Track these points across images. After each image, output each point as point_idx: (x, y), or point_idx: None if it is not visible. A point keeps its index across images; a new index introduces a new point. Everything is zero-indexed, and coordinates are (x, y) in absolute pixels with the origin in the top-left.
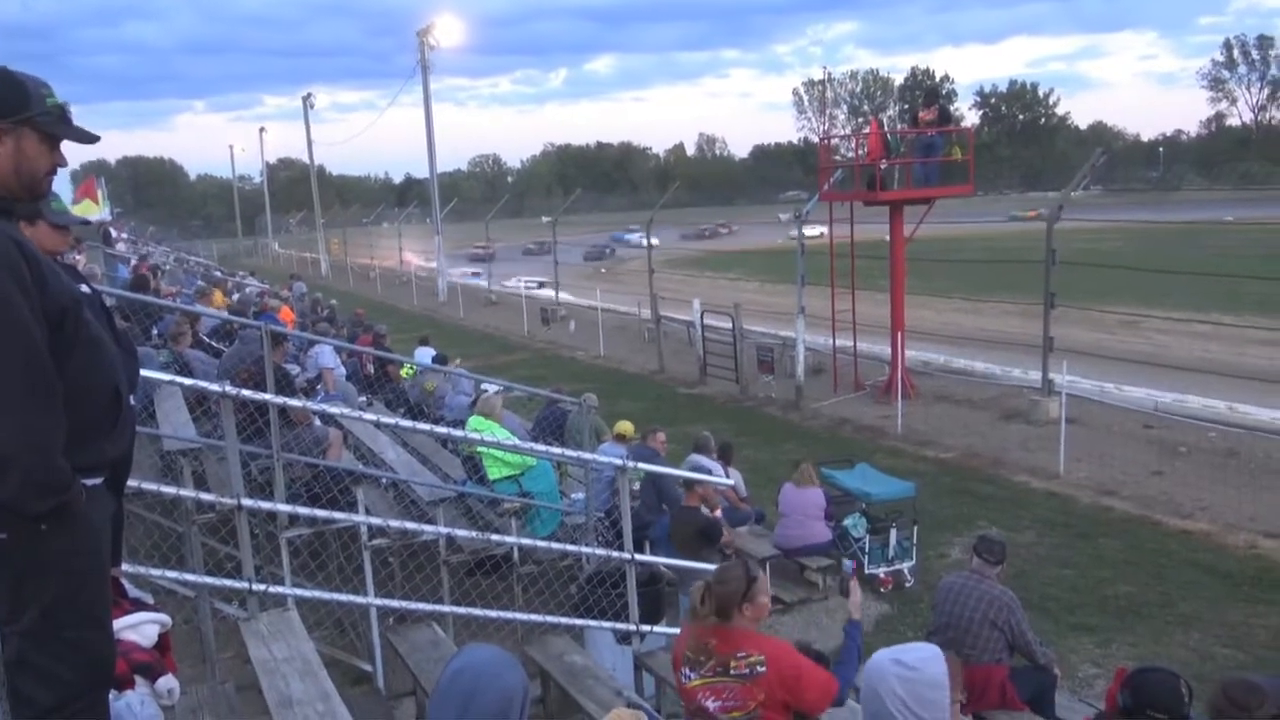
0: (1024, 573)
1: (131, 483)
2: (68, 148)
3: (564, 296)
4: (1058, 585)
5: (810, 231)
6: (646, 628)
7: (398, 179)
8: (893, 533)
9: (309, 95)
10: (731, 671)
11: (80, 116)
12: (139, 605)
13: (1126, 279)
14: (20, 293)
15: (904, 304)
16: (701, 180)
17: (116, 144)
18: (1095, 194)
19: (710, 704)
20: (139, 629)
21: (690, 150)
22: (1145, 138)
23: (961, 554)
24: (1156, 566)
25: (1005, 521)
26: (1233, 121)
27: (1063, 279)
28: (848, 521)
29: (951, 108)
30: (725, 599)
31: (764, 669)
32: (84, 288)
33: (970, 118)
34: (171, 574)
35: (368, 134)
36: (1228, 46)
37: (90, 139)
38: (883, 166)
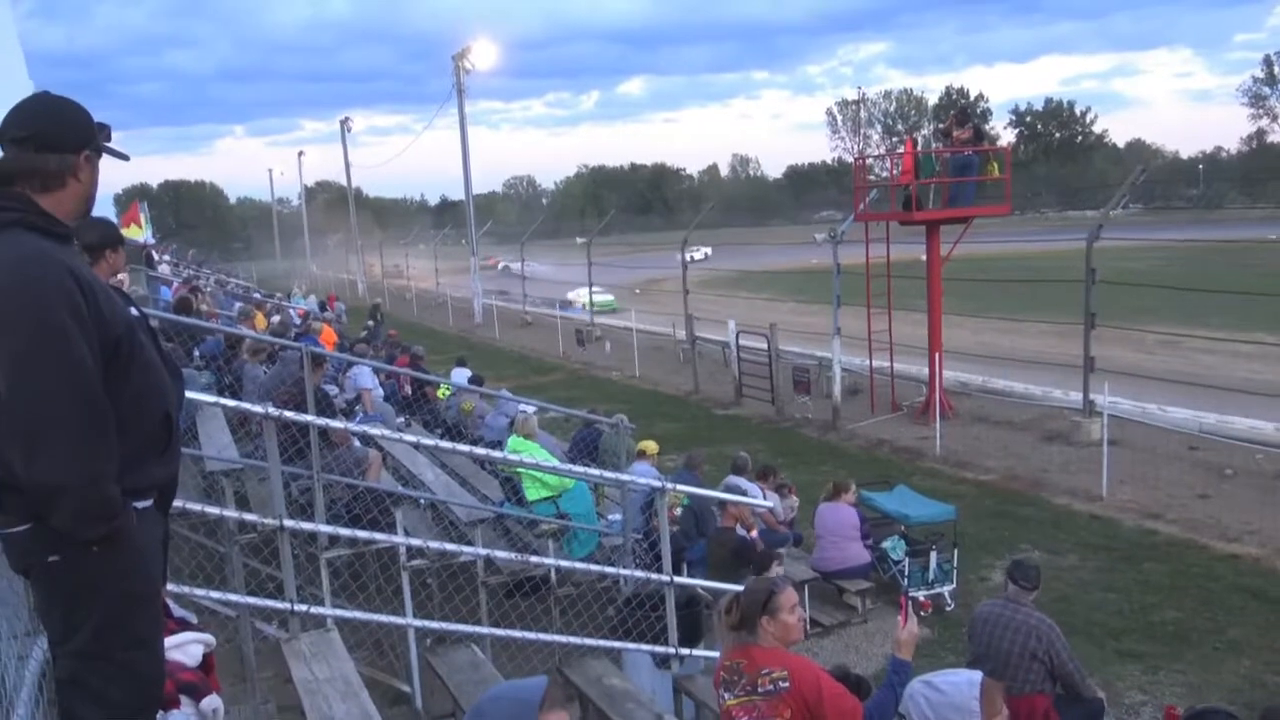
0: (1066, 597)
1: (176, 503)
2: (114, 171)
3: (599, 318)
4: (1102, 610)
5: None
6: (685, 651)
7: (433, 201)
8: (933, 555)
9: (346, 119)
10: (759, 690)
11: (123, 142)
12: (184, 625)
13: (1166, 298)
14: (76, 326)
15: (941, 324)
16: (736, 200)
17: (158, 169)
18: (1135, 212)
19: None
20: (184, 649)
21: (724, 171)
22: (1185, 155)
23: (1003, 577)
24: (1204, 591)
25: (1047, 544)
26: (1274, 138)
27: (1101, 298)
28: (887, 544)
29: (987, 126)
30: (747, 608)
31: (787, 684)
32: (132, 310)
33: (1006, 136)
34: (215, 594)
35: (404, 157)
36: (1268, 63)
37: (125, 157)
38: (917, 186)
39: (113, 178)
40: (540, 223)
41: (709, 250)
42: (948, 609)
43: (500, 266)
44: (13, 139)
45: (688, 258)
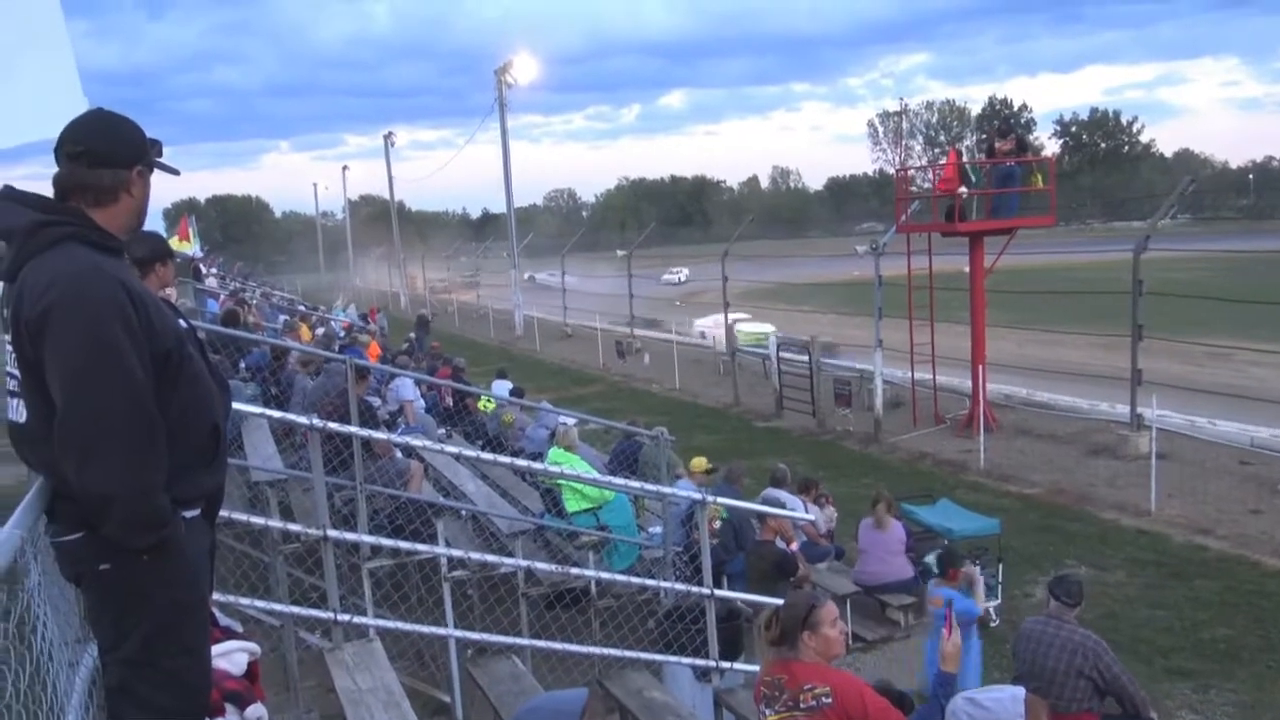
0: (1113, 613)
1: (221, 513)
2: (163, 186)
3: (639, 330)
4: (1150, 627)
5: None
6: (726, 664)
7: (475, 214)
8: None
9: (390, 134)
10: (801, 706)
11: (173, 158)
12: (229, 634)
13: (1215, 310)
14: (128, 339)
15: (985, 336)
16: (776, 212)
17: (206, 183)
18: (1183, 223)
19: None
20: (230, 657)
21: (764, 183)
22: (1234, 165)
23: (1044, 594)
24: (1256, 609)
25: (1094, 560)
26: None
27: (1148, 310)
28: (929, 558)
29: (1031, 137)
30: (788, 623)
31: (830, 700)
32: (181, 322)
33: (1051, 147)
34: (260, 603)
35: (446, 170)
36: None
37: (176, 171)
38: (962, 197)
39: (162, 193)
40: (580, 235)
41: (687, 271)
42: (992, 624)
43: (526, 277)
44: (68, 154)
45: (675, 279)
